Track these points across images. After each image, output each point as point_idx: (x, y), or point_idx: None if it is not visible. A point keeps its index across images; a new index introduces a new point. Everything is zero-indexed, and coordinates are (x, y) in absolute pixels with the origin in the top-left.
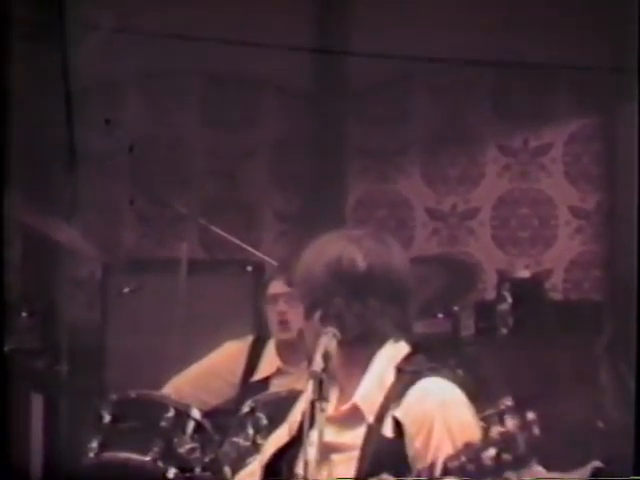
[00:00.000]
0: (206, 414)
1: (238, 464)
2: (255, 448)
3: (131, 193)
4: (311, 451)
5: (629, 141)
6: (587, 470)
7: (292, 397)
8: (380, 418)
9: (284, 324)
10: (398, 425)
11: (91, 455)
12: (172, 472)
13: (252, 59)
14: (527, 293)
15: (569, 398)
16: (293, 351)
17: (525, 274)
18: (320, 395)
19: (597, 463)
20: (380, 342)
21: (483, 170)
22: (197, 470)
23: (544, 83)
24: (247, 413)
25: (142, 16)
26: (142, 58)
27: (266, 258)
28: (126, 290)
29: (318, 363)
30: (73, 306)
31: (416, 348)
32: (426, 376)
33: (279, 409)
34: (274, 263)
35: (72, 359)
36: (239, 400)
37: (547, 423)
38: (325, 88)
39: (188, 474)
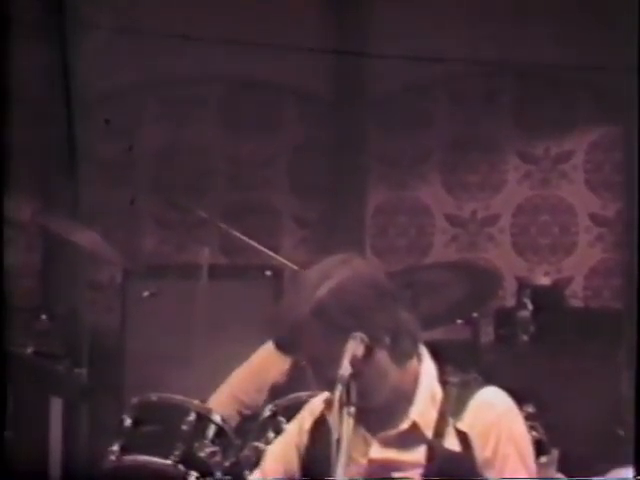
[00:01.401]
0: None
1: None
2: None
3: (131, 193)
4: (342, 457)
5: None
6: (613, 477)
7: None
8: (440, 433)
9: None
10: (462, 437)
11: (112, 458)
12: (193, 476)
13: (273, 65)
14: (547, 300)
15: (590, 405)
16: None
17: (545, 281)
18: (348, 400)
19: (620, 470)
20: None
21: (504, 177)
22: (218, 474)
23: (565, 91)
24: (268, 417)
25: (155, 18)
26: (162, 64)
27: (287, 263)
28: (146, 294)
29: (346, 368)
30: (93, 310)
31: (436, 356)
32: (475, 386)
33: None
34: (295, 268)
35: (92, 362)
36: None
37: (568, 430)
38: (345, 95)
39: (209, 478)
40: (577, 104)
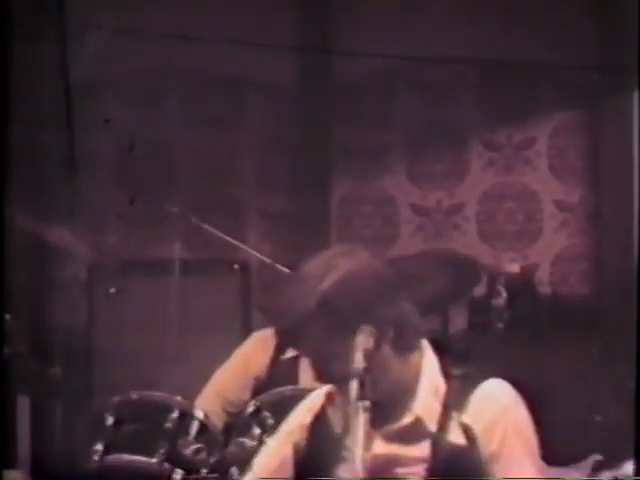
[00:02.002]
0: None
1: (245, 465)
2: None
3: (131, 193)
4: (359, 451)
5: (613, 134)
6: (588, 463)
7: (297, 395)
8: (444, 427)
9: None
10: (467, 431)
11: (95, 458)
12: (179, 474)
13: (235, 58)
14: (519, 288)
15: (567, 392)
16: None
17: (515, 269)
18: (362, 395)
19: (597, 457)
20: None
21: (467, 165)
22: (203, 471)
23: (527, 77)
24: (252, 413)
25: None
26: (123, 57)
27: (260, 256)
28: (112, 290)
29: (359, 361)
30: (59, 308)
31: (437, 348)
32: (478, 379)
33: (285, 408)
34: (267, 260)
35: (61, 361)
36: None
37: (546, 417)
38: (309, 86)
39: (194, 475)
40: (539, 90)
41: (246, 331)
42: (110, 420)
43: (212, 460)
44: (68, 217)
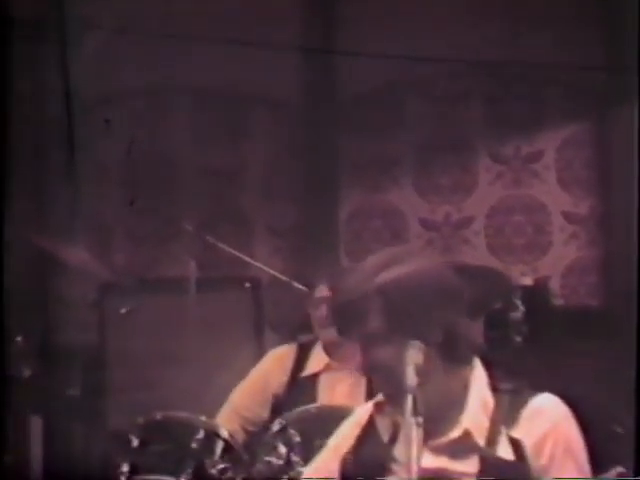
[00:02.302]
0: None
1: None
2: (289, 466)
3: (131, 194)
4: (413, 466)
5: (621, 146)
6: (611, 475)
7: (322, 413)
8: (492, 441)
9: (326, 327)
10: (516, 446)
11: (122, 479)
12: None
13: (241, 72)
14: (534, 300)
15: (587, 404)
16: (340, 348)
17: (528, 281)
18: (416, 410)
19: (620, 468)
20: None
21: (476, 178)
22: None
23: (535, 90)
24: (278, 431)
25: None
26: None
27: (277, 274)
28: (123, 310)
29: (412, 378)
30: (69, 328)
31: (485, 362)
32: (528, 394)
33: (311, 426)
34: (284, 279)
35: (76, 382)
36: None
37: None
38: (314, 99)
39: None
40: (546, 102)
41: (260, 349)
42: (135, 441)
43: (239, 479)
44: (68, 222)
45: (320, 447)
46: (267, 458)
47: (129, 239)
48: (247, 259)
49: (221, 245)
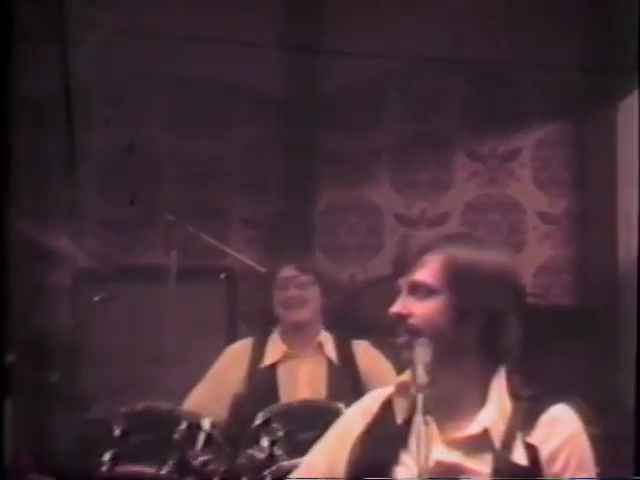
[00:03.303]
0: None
1: (255, 477)
2: (272, 460)
3: (131, 193)
4: (422, 459)
5: (597, 146)
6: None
7: (305, 407)
8: (508, 445)
9: (293, 307)
10: (531, 452)
11: (104, 469)
12: None
13: (220, 62)
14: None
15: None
16: (297, 336)
17: None
18: (427, 408)
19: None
20: (501, 355)
21: (452, 176)
22: None
23: (512, 88)
24: (261, 425)
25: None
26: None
27: (255, 265)
28: (97, 298)
29: (422, 376)
30: (44, 313)
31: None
32: (546, 402)
33: (294, 419)
34: (263, 270)
35: (55, 367)
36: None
37: None
38: (294, 93)
39: None
40: (524, 101)
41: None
42: (117, 431)
43: (221, 471)
44: (67, 219)
45: (303, 441)
46: (250, 451)
47: (105, 226)
48: (228, 250)
49: (203, 235)
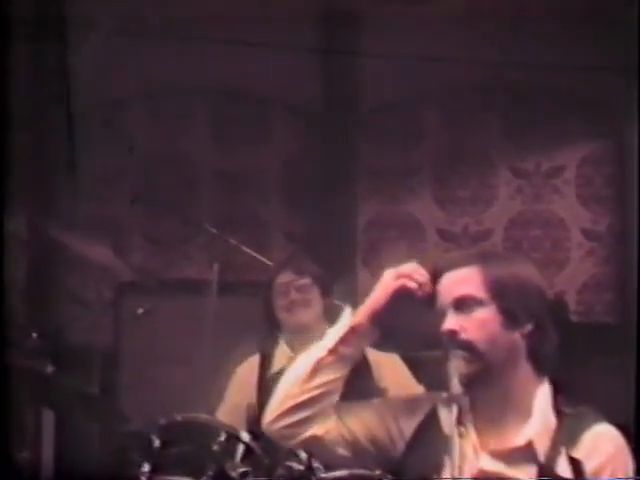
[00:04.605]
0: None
1: None
2: (310, 472)
3: (133, 192)
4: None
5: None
6: None
7: None
8: (552, 458)
9: (296, 311)
10: (576, 466)
11: (143, 479)
12: None
13: (264, 74)
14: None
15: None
16: (303, 339)
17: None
18: (461, 420)
19: None
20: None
21: (495, 192)
22: None
23: (557, 106)
24: None
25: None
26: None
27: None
28: (140, 311)
29: (457, 387)
30: (83, 327)
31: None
32: (591, 420)
33: None
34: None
35: (89, 381)
36: None
37: None
38: (335, 107)
39: None
40: (568, 119)
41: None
42: (157, 442)
43: None
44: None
45: None
46: (288, 463)
47: (147, 240)
48: (270, 263)
49: (245, 248)
